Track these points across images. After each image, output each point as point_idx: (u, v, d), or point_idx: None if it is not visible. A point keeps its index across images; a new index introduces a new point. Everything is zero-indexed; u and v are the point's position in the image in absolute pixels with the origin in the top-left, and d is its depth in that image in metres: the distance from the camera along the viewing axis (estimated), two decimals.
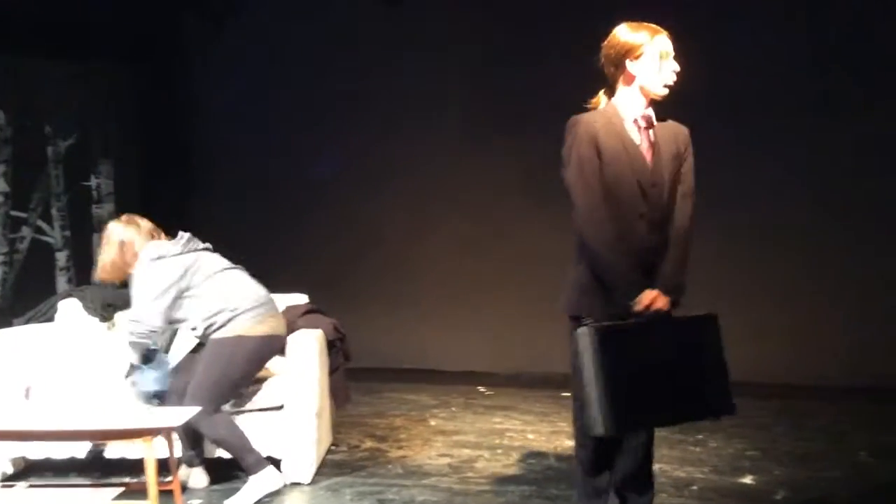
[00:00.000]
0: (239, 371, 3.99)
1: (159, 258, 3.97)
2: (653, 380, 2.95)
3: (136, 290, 3.96)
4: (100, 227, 7.05)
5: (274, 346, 4.09)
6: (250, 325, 3.96)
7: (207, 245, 4.18)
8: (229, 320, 3.95)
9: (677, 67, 3.14)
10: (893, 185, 6.53)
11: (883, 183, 6.55)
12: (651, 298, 3.02)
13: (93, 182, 7.22)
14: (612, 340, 2.91)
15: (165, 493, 3.50)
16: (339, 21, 7.39)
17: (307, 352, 4.21)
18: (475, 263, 7.22)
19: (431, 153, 7.28)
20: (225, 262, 4.14)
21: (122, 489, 3.42)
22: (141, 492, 3.41)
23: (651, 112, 3.17)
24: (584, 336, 2.91)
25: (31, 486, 3.87)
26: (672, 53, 3.14)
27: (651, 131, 3.15)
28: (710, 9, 6.61)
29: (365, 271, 7.35)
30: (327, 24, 7.42)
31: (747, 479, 4.30)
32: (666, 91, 3.14)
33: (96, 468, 4.19)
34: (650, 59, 3.10)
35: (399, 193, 7.39)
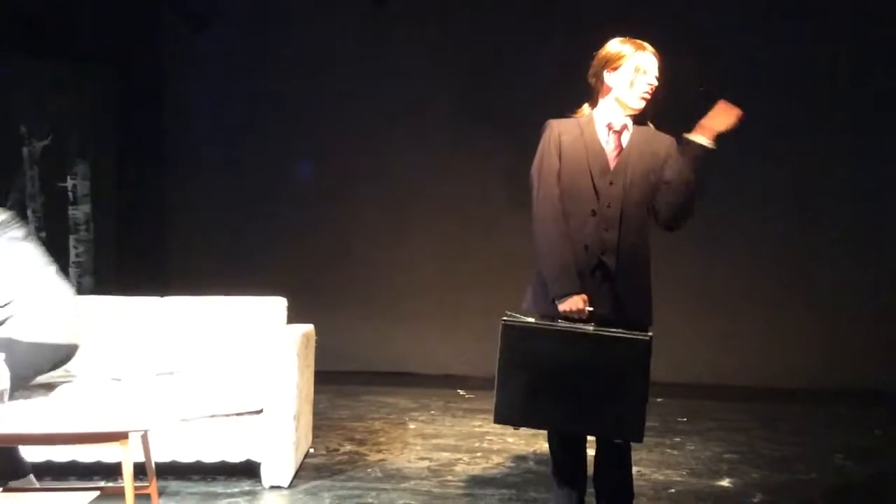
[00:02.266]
0: None
1: None
2: (554, 384, 3.02)
3: None
4: (76, 228, 7.00)
5: None
6: None
7: None
8: None
9: (654, 82, 3.21)
10: (872, 196, 6.62)
11: (860, 192, 6.63)
12: (575, 303, 3.09)
13: (69, 183, 7.15)
14: (519, 338, 3.06)
15: (142, 497, 3.47)
16: (320, 25, 7.37)
17: (285, 353, 4.19)
18: (455, 266, 7.22)
19: (413, 155, 7.27)
20: None
21: (97, 493, 3.38)
22: (117, 495, 3.38)
23: (628, 121, 3.24)
24: (499, 329, 3.08)
25: (5, 490, 3.82)
26: (652, 70, 3.22)
27: (624, 136, 3.23)
28: (700, 18, 6.68)
29: (344, 273, 7.33)
30: (307, 29, 7.39)
31: (725, 482, 4.33)
32: (641, 104, 3.22)
33: (72, 472, 4.15)
34: (626, 71, 3.20)
35: (378, 195, 7.38)
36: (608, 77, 3.22)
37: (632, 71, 3.19)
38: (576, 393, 3.01)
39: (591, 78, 3.28)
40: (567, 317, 3.10)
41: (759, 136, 6.73)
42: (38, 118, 7.00)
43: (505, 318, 3.09)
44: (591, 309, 3.10)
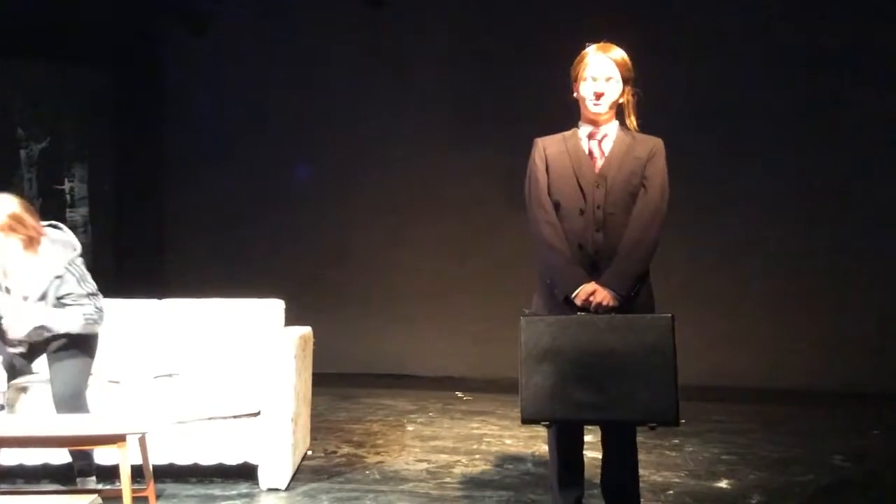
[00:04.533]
0: None
1: None
2: (581, 374, 3.01)
3: None
4: (73, 231, 6.99)
5: None
6: None
7: None
8: None
9: (599, 76, 3.20)
10: (871, 196, 6.62)
11: (860, 188, 6.64)
12: (588, 291, 3.12)
13: (66, 186, 7.15)
14: (540, 331, 3.04)
15: (139, 500, 3.47)
16: (319, 26, 7.37)
17: (283, 355, 4.18)
18: (453, 268, 7.22)
19: (412, 156, 7.28)
20: None
21: (95, 496, 3.37)
22: (115, 498, 3.38)
23: (610, 129, 3.27)
24: (519, 326, 3.05)
25: (2, 492, 3.81)
26: (599, 68, 3.21)
27: (606, 143, 3.27)
28: (700, 20, 6.69)
29: (342, 275, 7.33)
30: (307, 29, 7.40)
31: (723, 484, 4.32)
32: (597, 105, 3.22)
33: (69, 475, 4.14)
34: (579, 82, 3.26)
35: (376, 197, 7.38)
36: (576, 93, 3.29)
37: (579, 80, 3.24)
38: (604, 381, 3.00)
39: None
40: (584, 308, 3.13)
41: (758, 136, 6.76)
42: (35, 120, 7.00)
43: (523, 316, 3.09)
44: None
